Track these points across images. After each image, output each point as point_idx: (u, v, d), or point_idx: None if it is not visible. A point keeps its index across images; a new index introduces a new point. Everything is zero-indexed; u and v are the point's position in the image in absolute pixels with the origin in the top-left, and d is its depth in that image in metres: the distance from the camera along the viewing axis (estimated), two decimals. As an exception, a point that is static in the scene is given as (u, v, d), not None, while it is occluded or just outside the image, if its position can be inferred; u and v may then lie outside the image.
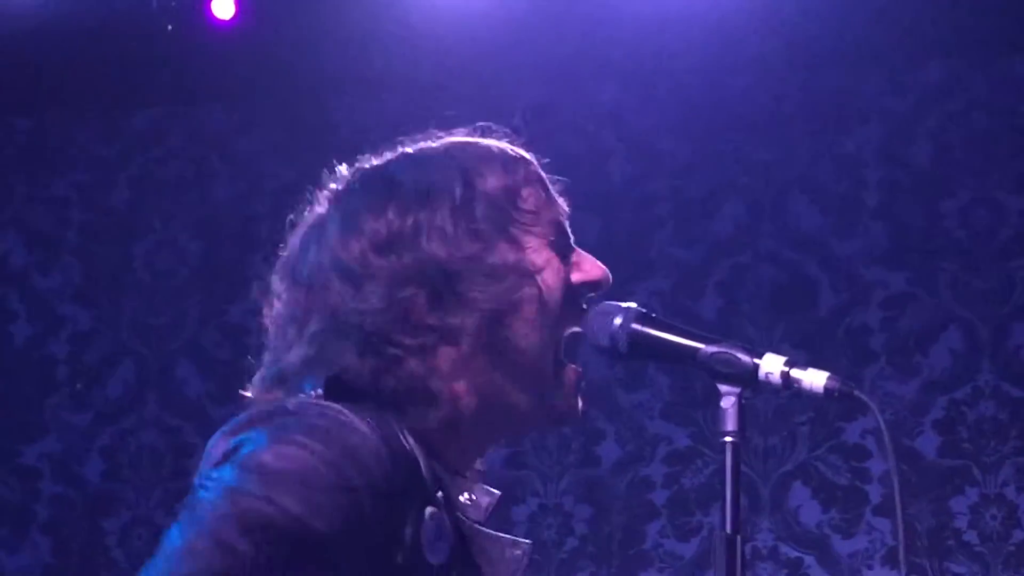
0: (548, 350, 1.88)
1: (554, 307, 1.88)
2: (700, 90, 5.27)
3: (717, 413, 1.86)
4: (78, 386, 5.45)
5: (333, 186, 1.95)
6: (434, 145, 1.96)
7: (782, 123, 5.23)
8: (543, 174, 1.97)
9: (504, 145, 1.96)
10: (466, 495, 1.85)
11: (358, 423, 1.71)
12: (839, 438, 4.99)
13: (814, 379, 1.85)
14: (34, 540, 5.46)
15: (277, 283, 1.92)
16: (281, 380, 1.85)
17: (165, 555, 1.62)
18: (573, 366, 1.91)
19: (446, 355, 1.83)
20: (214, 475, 1.67)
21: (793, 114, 5.23)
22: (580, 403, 1.93)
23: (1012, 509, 4.85)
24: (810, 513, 4.98)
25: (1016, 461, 4.87)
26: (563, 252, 1.93)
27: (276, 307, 1.91)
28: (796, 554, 4.97)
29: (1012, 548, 4.82)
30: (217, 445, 1.72)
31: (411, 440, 1.76)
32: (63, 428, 5.51)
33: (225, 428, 1.74)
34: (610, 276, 1.95)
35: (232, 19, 4.89)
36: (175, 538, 1.62)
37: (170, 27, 4.79)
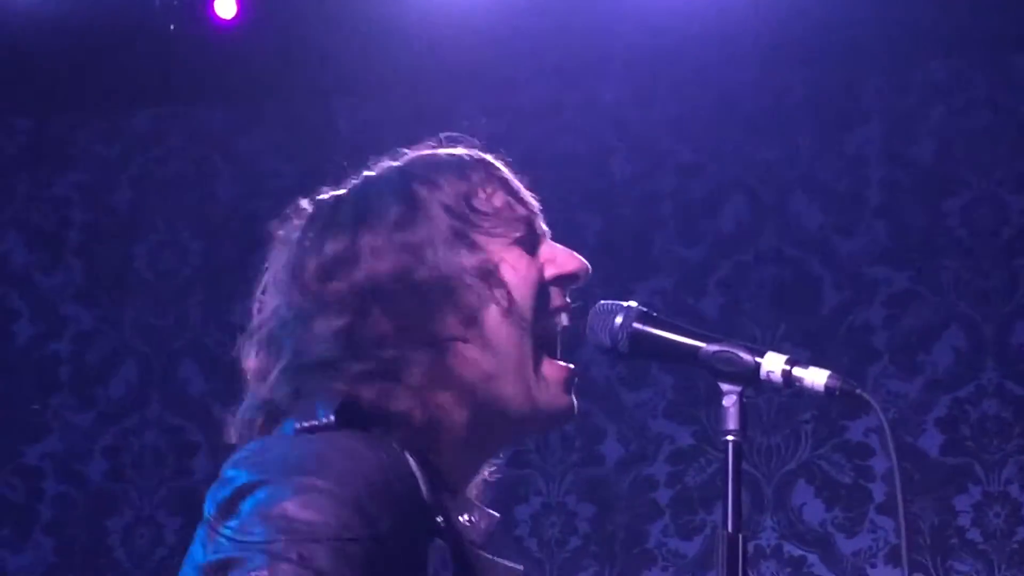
0: (524, 347, 1.86)
1: (523, 304, 1.87)
2: (702, 89, 5.27)
3: (719, 412, 1.86)
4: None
5: (293, 221, 1.96)
6: (393, 164, 1.96)
7: (784, 122, 5.22)
8: (506, 174, 1.95)
9: (461, 151, 1.96)
10: (466, 516, 1.83)
11: (371, 454, 1.70)
12: (842, 436, 4.99)
13: (815, 378, 1.85)
14: (37, 540, 5.46)
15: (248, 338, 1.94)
16: (274, 411, 1.84)
17: None
18: (561, 362, 1.90)
19: (419, 369, 1.81)
20: (236, 525, 1.65)
21: (795, 113, 5.23)
22: (571, 399, 1.90)
23: (1015, 507, 4.84)
24: (813, 511, 4.98)
25: (1019, 459, 4.87)
26: (533, 248, 1.92)
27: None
28: (800, 552, 4.97)
29: (1015, 546, 4.82)
30: (231, 479, 1.70)
31: (412, 462, 1.75)
32: (65, 428, 5.51)
33: (235, 458, 1.72)
34: (588, 266, 1.94)
35: (234, 19, 4.89)
36: None
37: (172, 27, 4.79)
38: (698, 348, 1.88)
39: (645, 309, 1.92)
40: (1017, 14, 4.91)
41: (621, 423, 5.12)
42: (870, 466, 4.95)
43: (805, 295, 5.11)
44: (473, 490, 1.90)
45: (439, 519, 1.75)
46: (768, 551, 4.97)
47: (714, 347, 1.87)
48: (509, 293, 1.86)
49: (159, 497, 5.39)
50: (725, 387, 1.86)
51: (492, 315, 1.85)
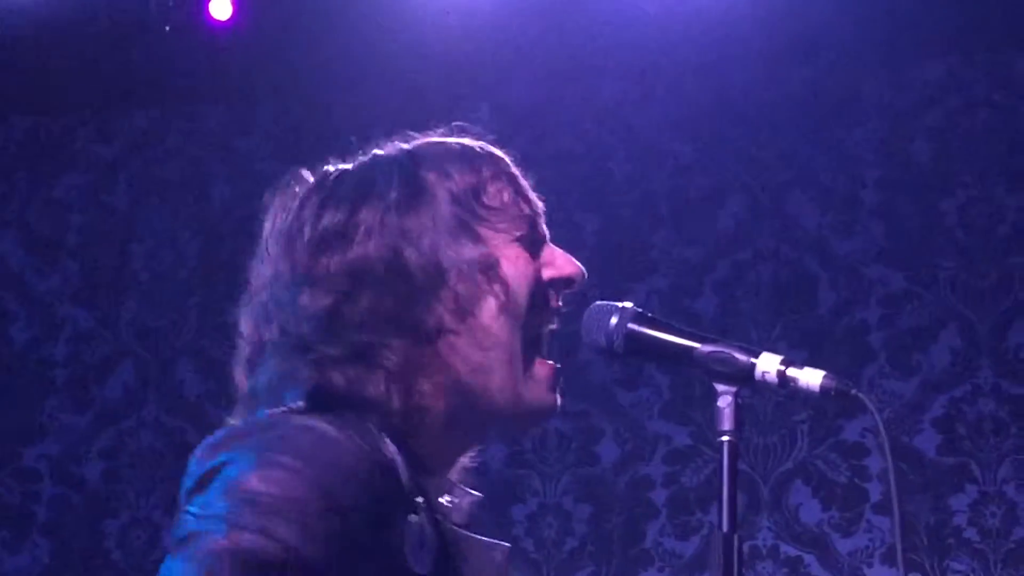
0: (515, 343, 1.86)
1: (518, 301, 1.87)
2: (700, 88, 5.28)
3: (715, 412, 1.86)
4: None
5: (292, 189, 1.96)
6: (403, 146, 1.96)
7: (781, 121, 5.23)
8: (515, 171, 1.95)
9: (473, 143, 1.95)
10: (447, 497, 1.84)
11: (340, 436, 1.70)
12: (839, 436, 4.99)
13: (810, 378, 1.85)
14: (34, 541, 5.46)
15: (241, 311, 1.94)
16: (255, 397, 1.84)
17: None
18: (549, 361, 1.90)
19: (398, 356, 1.81)
20: (201, 501, 1.67)
21: (792, 112, 5.23)
22: (555, 397, 1.91)
23: (1012, 506, 4.85)
24: (810, 512, 4.98)
25: (1016, 458, 4.87)
26: (533, 248, 1.92)
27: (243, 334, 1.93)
28: (796, 553, 4.97)
29: (1012, 545, 4.82)
30: (200, 463, 1.71)
31: (391, 445, 1.75)
32: (62, 430, 5.51)
33: (205, 443, 1.73)
34: (584, 272, 1.94)
35: (230, 19, 4.89)
36: (175, 574, 1.62)
37: (168, 28, 4.79)
38: (693, 348, 1.88)
39: (640, 310, 1.92)
40: (1015, 14, 4.91)
41: (618, 424, 5.12)
42: (866, 466, 4.95)
43: (802, 295, 5.11)
44: (454, 474, 1.90)
45: (419, 499, 1.75)
46: (764, 551, 4.97)
47: (709, 347, 1.87)
48: (507, 289, 1.86)
49: (156, 498, 5.39)
50: (720, 387, 1.86)
51: (488, 308, 1.85)
